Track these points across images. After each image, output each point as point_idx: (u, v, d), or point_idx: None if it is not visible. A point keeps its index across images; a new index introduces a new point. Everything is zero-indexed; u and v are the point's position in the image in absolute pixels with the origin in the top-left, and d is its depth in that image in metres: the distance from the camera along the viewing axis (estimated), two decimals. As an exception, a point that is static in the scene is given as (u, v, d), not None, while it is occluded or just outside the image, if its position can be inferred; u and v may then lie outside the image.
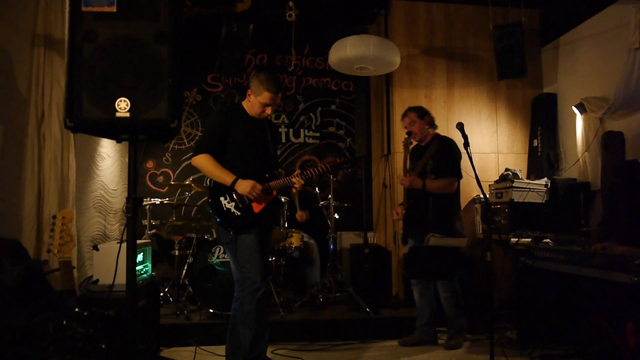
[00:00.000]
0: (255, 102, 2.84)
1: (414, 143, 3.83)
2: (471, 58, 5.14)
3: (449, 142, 3.67)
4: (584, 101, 4.32)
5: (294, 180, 2.82)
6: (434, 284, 3.69)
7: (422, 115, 3.70)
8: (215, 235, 4.09)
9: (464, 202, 4.91)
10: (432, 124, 3.73)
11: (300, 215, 4.81)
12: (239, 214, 2.77)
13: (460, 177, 3.64)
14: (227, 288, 3.73)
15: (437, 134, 3.76)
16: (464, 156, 3.48)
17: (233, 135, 2.83)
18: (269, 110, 2.86)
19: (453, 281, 3.63)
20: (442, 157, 3.58)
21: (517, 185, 4.27)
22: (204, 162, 2.78)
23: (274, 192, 2.86)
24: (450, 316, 3.65)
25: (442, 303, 3.66)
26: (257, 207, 2.81)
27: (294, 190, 2.88)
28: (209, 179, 2.89)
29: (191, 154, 2.98)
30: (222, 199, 2.79)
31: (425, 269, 3.61)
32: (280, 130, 5.76)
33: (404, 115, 3.77)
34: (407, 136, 3.74)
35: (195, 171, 2.88)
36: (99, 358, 2.04)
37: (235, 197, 2.78)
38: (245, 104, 2.93)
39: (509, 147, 5.15)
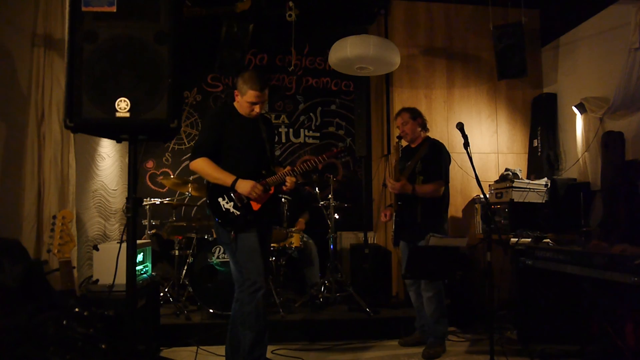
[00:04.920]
0: (242, 101, 2.85)
1: (404, 144, 3.82)
2: (471, 58, 5.14)
3: (439, 146, 3.66)
4: (584, 101, 4.32)
5: (286, 180, 2.82)
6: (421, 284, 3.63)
7: (415, 116, 3.68)
8: (215, 236, 4.09)
9: (464, 202, 4.92)
10: (424, 127, 3.72)
11: (299, 223, 4.80)
12: (238, 213, 2.78)
13: (447, 181, 3.61)
14: (227, 288, 3.72)
15: (428, 137, 3.74)
16: (464, 156, 3.48)
17: (228, 136, 2.83)
18: (257, 109, 2.85)
19: (438, 281, 3.54)
20: (431, 160, 3.57)
21: (517, 185, 4.27)
22: (201, 165, 2.78)
23: (272, 189, 2.86)
24: (431, 321, 3.51)
25: (424, 305, 3.54)
26: (256, 206, 2.81)
27: (284, 187, 2.87)
28: (206, 181, 2.89)
29: (189, 155, 2.99)
30: (220, 199, 2.80)
31: (425, 268, 3.60)
32: (280, 130, 5.76)
33: (398, 114, 3.77)
34: (397, 140, 3.73)
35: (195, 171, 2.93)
36: (99, 358, 2.04)
37: (233, 196, 2.78)
38: (236, 104, 2.94)
39: (509, 147, 5.15)
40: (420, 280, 3.59)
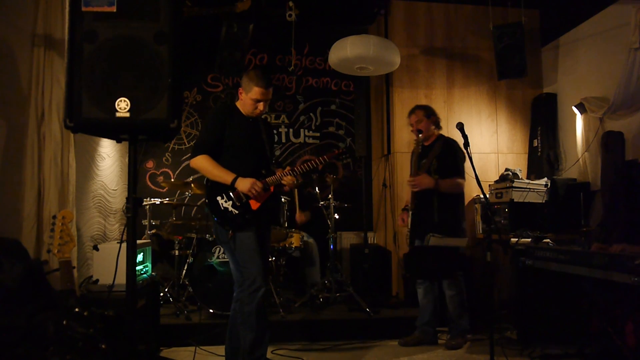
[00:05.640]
0: (247, 99, 2.85)
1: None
2: (471, 58, 5.14)
3: (453, 144, 3.69)
4: (584, 101, 4.32)
5: (284, 180, 2.82)
6: (439, 283, 3.72)
7: (429, 114, 3.72)
8: (214, 235, 4.09)
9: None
10: (437, 125, 3.75)
11: (299, 216, 4.81)
12: (236, 212, 2.77)
13: (463, 178, 3.65)
14: (227, 288, 3.72)
15: (441, 135, 3.78)
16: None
17: (229, 135, 2.83)
18: (261, 107, 2.86)
19: (459, 280, 3.64)
20: (446, 158, 3.58)
21: (517, 185, 4.27)
22: (202, 162, 2.78)
23: (272, 188, 2.86)
24: (454, 316, 3.66)
25: (446, 302, 3.68)
26: (255, 205, 2.81)
27: (285, 188, 2.87)
28: (206, 179, 2.89)
29: (190, 153, 2.99)
30: (219, 198, 2.79)
31: (425, 269, 3.62)
32: (280, 130, 5.76)
33: (411, 112, 3.79)
34: (418, 136, 3.71)
35: (196, 171, 2.91)
36: (99, 358, 2.04)
37: (232, 195, 2.78)
38: (238, 104, 2.95)
39: (509, 147, 5.15)
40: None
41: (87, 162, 4.24)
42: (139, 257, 3.34)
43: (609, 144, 3.90)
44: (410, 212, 3.64)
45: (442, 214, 3.55)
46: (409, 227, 3.66)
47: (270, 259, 4.12)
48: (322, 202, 4.68)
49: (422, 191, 3.57)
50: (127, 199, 1.94)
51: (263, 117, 3.09)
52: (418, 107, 3.78)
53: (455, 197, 3.61)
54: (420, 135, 3.69)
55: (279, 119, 5.78)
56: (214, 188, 2.82)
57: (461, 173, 3.62)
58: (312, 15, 5.18)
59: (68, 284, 2.26)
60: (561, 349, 3.37)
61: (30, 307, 2.32)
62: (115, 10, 1.80)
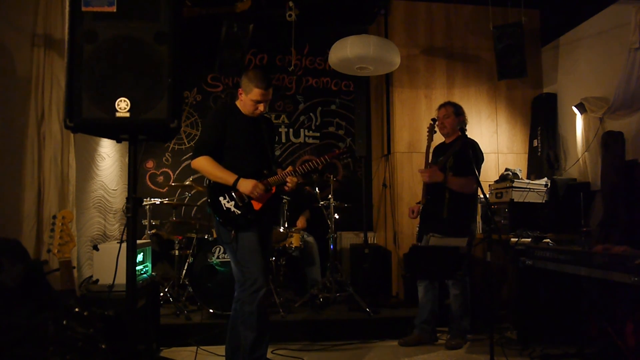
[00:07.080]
0: (247, 100, 2.84)
1: (437, 134, 3.81)
2: (471, 58, 5.14)
3: (473, 144, 3.66)
4: (584, 101, 4.32)
5: (287, 180, 2.82)
6: (440, 282, 3.72)
7: (459, 113, 3.73)
8: (215, 235, 4.09)
9: (464, 202, 4.92)
10: (462, 125, 3.74)
11: (301, 221, 4.79)
12: (239, 212, 2.77)
13: (478, 180, 3.61)
14: (227, 288, 3.73)
15: (463, 135, 3.75)
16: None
17: (230, 135, 2.83)
18: (261, 107, 2.86)
19: (465, 280, 3.64)
20: (464, 156, 3.54)
21: (517, 185, 4.27)
22: (203, 164, 2.78)
23: (273, 189, 2.86)
24: (456, 316, 3.66)
25: (450, 301, 3.68)
26: (257, 205, 2.81)
27: (286, 187, 2.87)
28: (207, 180, 2.89)
29: (191, 154, 2.98)
30: (221, 198, 2.79)
31: (424, 268, 3.61)
32: (280, 130, 5.76)
33: (442, 106, 3.79)
34: (431, 122, 3.72)
35: (195, 171, 2.92)
36: (99, 358, 2.04)
37: (234, 195, 2.78)
38: (238, 103, 2.94)
39: (509, 147, 5.15)
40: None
41: (87, 162, 4.24)
42: (139, 257, 3.34)
43: (609, 144, 3.90)
44: (421, 206, 3.64)
45: (452, 211, 3.53)
46: (419, 221, 3.66)
47: (270, 259, 4.12)
48: (322, 202, 4.68)
49: (434, 186, 3.56)
50: (127, 199, 1.94)
51: (265, 115, 3.08)
52: (449, 103, 3.79)
53: (466, 197, 3.58)
54: (435, 122, 3.68)
55: (279, 119, 5.78)
56: (216, 188, 2.81)
57: (475, 173, 3.60)
58: (312, 15, 5.18)
59: (68, 284, 2.26)
60: (561, 349, 3.37)
61: (30, 307, 2.32)
62: (115, 10, 1.80)
